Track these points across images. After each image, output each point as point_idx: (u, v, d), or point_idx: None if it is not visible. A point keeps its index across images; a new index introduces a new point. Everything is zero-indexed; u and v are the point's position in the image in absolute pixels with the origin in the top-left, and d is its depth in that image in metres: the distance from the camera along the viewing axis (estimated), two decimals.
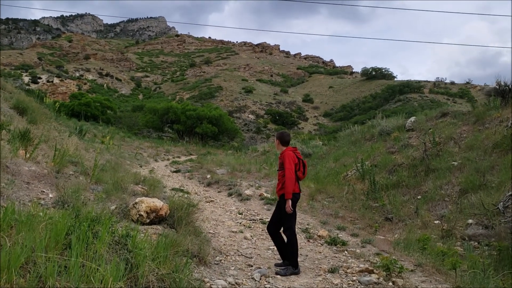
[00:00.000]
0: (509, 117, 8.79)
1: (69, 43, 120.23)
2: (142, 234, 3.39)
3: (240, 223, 6.53)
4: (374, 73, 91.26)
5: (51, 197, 4.74)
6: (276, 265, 4.47)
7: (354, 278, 4.21)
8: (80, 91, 58.50)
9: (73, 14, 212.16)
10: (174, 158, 18.44)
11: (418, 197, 7.63)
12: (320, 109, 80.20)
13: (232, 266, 4.35)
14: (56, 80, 78.43)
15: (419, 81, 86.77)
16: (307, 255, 5.00)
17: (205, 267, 4.06)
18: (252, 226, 6.39)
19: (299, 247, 4.51)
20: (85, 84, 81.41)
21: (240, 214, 7.23)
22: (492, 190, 6.51)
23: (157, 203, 4.83)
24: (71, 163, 7.05)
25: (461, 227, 6.01)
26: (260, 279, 4.03)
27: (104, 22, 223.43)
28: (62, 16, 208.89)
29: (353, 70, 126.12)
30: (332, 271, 4.37)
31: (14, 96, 10.67)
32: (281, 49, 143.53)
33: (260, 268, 4.37)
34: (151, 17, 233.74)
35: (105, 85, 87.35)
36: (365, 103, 74.68)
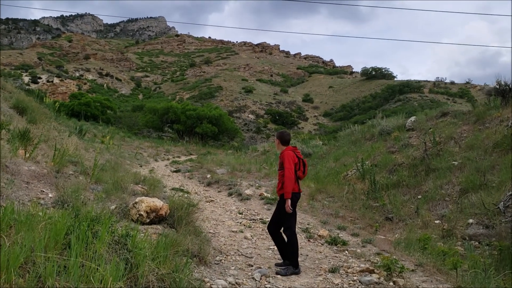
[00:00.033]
0: (509, 117, 8.78)
1: (69, 43, 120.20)
2: (142, 234, 3.38)
3: (240, 223, 6.52)
4: (374, 73, 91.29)
5: (50, 197, 4.73)
6: (277, 265, 4.46)
7: (355, 278, 4.20)
8: (80, 91, 58.48)
9: (73, 14, 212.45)
10: (174, 158, 18.43)
11: (419, 197, 7.62)
12: (320, 109, 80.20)
13: (233, 266, 4.34)
14: (56, 80, 78.42)
15: (419, 81, 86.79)
16: (307, 255, 4.99)
17: (205, 267, 4.05)
18: (252, 226, 6.38)
19: (299, 246, 4.50)
20: (85, 84, 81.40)
21: (240, 213, 7.22)
22: (493, 189, 6.50)
23: (157, 202, 4.81)
24: (71, 163, 7.04)
25: (461, 227, 6.00)
26: (261, 279, 4.02)
27: (104, 22, 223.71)
28: (62, 16, 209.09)
29: (353, 70, 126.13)
30: (333, 271, 4.36)
31: (14, 95, 10.65)
32: (281, 49, 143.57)
33: (260, 268, 4.35)
34: (151, 17, 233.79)
35: (105, 85, 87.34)
36: (365, 103, 74.68)
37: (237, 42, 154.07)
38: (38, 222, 2.78)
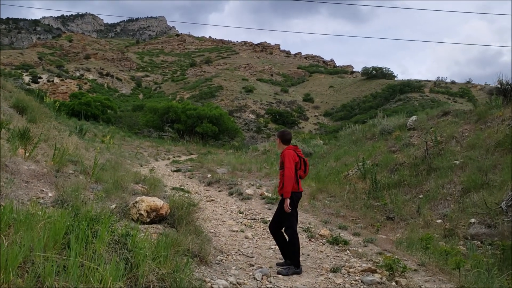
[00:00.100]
0: (511, 116, 8.75)
1: (70, 42, 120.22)
2: (142, 234, 3.35)
3: (241, 223, 6.50)
4: (374, 72, 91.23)
5: (50, 196, 4.70)
6: (278, 264, 4.44)
7: (357, 277, 4.17)
8: (81, 90, 58.46)
9: (74, 13, 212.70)
10: (174, 157, 18.41)
11: (420, 196, 7.59)
12: (320, 108, 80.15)
13: (233, 266, 4.31)
14: (56, 80, 78.46)
15: (420, 81, 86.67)
16: (309, 255, 4.96)
17: (206, 266, 4.02)
18: (253, 226, 6.35)
19: (300, 246, 4.47)
20: (85, 83, 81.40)
21: (241, 213, 7.20)
22: (495, 189, 6.47)
23: (157, 202, 4.79)
24: (71, 162, 7.02)
25: (463, 226, 5.97)
26: (262, 278, 3.99)
27: (105, 21, 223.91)
28: (62, 15, 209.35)
29: (354, 70, 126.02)
30: (334, 270, 4.33)
31: (14, 95, 10.63)
32: (281, 48, 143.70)
33: (261, 267, 4.33)
34: (151, 17, 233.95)
35: (105, 85, 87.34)
36: (366, 102, 74.62)
37: (237, 41, 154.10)
38: (37, 222, 2.75)
